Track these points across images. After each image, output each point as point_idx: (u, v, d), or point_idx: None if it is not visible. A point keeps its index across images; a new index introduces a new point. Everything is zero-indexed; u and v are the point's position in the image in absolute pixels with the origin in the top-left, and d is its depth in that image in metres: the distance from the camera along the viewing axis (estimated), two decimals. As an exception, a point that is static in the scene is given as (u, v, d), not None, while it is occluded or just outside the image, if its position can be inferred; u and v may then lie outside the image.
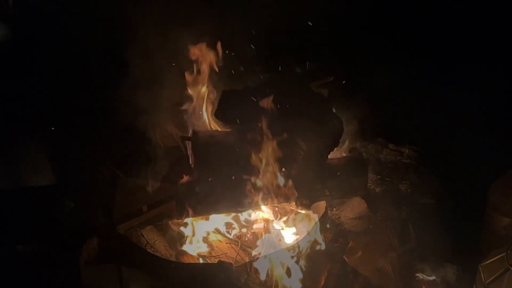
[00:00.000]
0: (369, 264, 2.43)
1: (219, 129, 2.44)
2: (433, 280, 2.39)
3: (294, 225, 2.57)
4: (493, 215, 2.32)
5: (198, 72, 2.48)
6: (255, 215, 2.61)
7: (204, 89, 2.51)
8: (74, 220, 2.06)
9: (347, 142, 2.65)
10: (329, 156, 2.50)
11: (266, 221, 2.60)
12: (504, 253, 1.79)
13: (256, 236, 2.50)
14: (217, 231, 2.53)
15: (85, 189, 2.27)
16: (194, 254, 2.38)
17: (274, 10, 3.17)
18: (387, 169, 2.81)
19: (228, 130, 2.37)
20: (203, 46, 2.46)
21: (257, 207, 2.44)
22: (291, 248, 2.25)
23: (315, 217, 2.40)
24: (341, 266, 2.34)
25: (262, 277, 2.13)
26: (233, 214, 2.53)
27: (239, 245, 2.44)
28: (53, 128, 2.64)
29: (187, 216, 2.27)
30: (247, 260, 2.33)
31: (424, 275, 2.39)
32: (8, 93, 2.79)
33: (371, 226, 2.62)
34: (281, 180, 2.30)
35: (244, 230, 2.56)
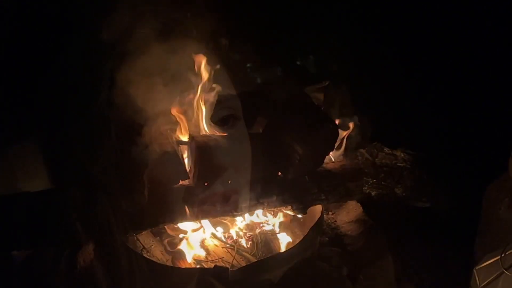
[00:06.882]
0: (366, 268, 2.43)
1: (216, 134, 2.44)
2: (430, 281, 2.41)
3: (290, 229, 2.58)
4: (489, 218, 2.32)
5: (195, 75, 2.49)
6: (251, 219, 2.61)
7: (200, 93, 2.51)
8: (71, 225, 2.05)
9: (342, 146, 2.66)
10: (324, 160, 2.50)
11: (262, 225, 2.61)
12: (499, 257, 1.80)
13: (252, 240, 2.51)
14: (213, 235, 2.53)
15: (83, 193, 2.26)
16: (190, 258, 2.38)
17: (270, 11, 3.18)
18: (383, 173, 2.82)
19: (225, 134, 2.37)
20: (200, 49, 2.47)
21: (253, 211, 2.45)
22: (288, 251, 2.26)
23: (311, 221, 2.41)
24: (337, 270, 2.35)
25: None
26: (230, 218, 2.54)
27: (235, 249, 2.44)
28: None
29: (184, 220, 2.27)
30: (243, 264, 2.34)
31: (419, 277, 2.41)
32: (2, 96, 2.77)
33: (367, 230, 2.63)
34: (276, 184, 2.31)
35: (240, 233, 2.57)
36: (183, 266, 2.33)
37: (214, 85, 2.52)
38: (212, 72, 2.48)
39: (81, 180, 2.11)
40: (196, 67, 2.47)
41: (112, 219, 2.03)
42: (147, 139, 2.25)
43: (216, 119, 2.43)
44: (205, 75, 2.46)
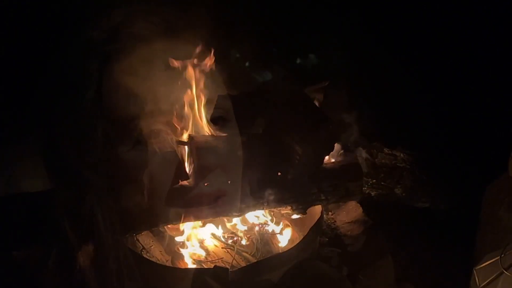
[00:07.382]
0: (366, 268, 2.43)
1: (215, 134, 2.45)
2: (430, 281, 2.41)
3: (290, 229, 2.58)
4: (489, 218, 2.32)
5: (194, 76, 2.49)
6: (251, 219, 2.61)
7: (200, 94, 2.51)
8: (64, 226, 2.05)
9: (342, 147, 2.66)
10: (324, 160, 2.50)
11: (262, 225, 2.61)
12: (499, 257, 1.80)
13: (252, 240, 2.51)
14: (213, 235, 2.53)
15: (81, 194, 2.26)
16: (190, 259, 2.38)
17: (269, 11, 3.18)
18: (383, 173, 2.82)
19: (224, 135, 2.37)
20: (198, 49, 2.47)
21: (252, 211, 2.45)
22: (288, 251, 2.25)
23: (311, 221, 2.41)
24: (337, 270, 2.34)
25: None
26: (229, 218, 2.54)
27: (235, 250, 2.44)
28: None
29: (184, 221, 2.27)
30: (243, 264, 2.34)
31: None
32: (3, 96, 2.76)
33: (367, 230, 2.63)
34: (276, 185, 2.31)
35: (240, 234, 2.57)
36: (183, 267, 2.33)
37: (211, 85, 2.53)
38: (209, 72, 2.48)
39: (73, 181, 2.10)
40: (193, 66, 2.47)
41: (103, 220, 2.02)
42: (143, 139, 2.25)
43: (216, 120, 2.43)
44: (201, 74, 2.46)
